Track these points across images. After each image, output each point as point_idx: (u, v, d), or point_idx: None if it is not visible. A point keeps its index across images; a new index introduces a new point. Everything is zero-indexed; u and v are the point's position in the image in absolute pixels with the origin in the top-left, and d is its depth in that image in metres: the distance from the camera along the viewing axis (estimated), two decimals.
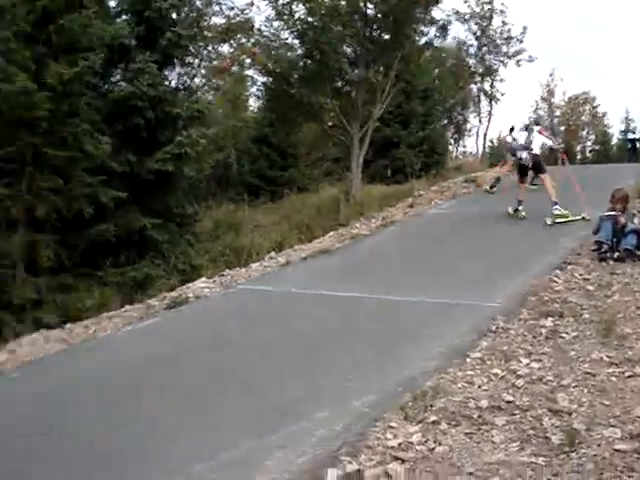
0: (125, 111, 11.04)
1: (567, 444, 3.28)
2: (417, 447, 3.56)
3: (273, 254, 10.33)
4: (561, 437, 3.38)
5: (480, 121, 32.54)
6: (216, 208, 17.45)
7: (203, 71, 20.80)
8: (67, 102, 9.38)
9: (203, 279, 8.86)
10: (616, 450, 3.17)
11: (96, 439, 4.08)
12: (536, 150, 10.05)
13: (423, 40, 19.13)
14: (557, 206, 9.30)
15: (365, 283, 7.48)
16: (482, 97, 31.30)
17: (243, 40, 20.84)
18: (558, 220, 9.16)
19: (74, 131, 9.37)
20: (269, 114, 22.01)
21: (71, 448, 3.97)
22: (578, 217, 9.11)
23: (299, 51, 18.06)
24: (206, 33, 19.11)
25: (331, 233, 11.44)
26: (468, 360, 4.76)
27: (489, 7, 27.10)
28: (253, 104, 25.81)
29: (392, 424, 3.86)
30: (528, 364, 4.53)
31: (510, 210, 10.13)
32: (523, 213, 9.96)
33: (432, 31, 18.70)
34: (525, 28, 27.75)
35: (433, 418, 3.85)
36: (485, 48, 28.57)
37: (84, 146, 9.41)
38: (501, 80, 29.70)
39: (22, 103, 8.63)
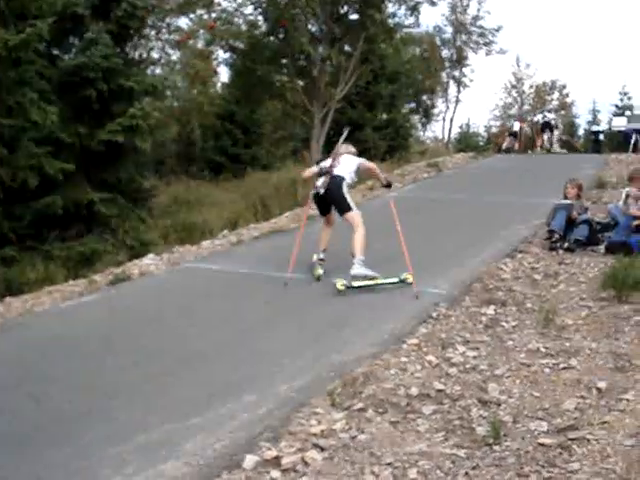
0: (77, 82, 10.68)
1: (492, 436, 3.27)
2: (340, 435, 3.54)
3: (226, 232, 10.18)
4: (487, 429, 3.41)
5: (447, 107, 33.63)
6: (176, 184, 17.04)
7: (160, 44, 19.87)
8: (15, 70, 9.08)
9: (151, 255, 8.68)
10: (540, 444, 3.21)
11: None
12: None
13: (392, 22, 18.90)
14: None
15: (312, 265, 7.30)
16: (451, 83, 32.62)
17: (203, 14, 19.99)
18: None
19: (21, 100, 9.08)
20: (234, 90, 21.55)
21: None
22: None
23: (262, 28, 17.55)
24: (164, 5, 18.21)
25: (287, 213, 11.28)
26: (404, 346, 4.74)
27: None
28: (218, 80, 25.32)
29: (318, 410, 3.84)
30: (464, 352, 4.55)
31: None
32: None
33: (401, 12, 18.46)
34: (500, 27, 29.81)
35: (360, 405, 3.84)
36: (459, 35, 30.00)
37: (30, 115, 9.10)
38: (472, 71, 31.65)
39: None
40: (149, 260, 8.34)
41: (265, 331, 5.42)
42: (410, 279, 6.14)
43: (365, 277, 6.19)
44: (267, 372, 4.52)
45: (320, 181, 6.60)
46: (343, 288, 6.13)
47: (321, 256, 6.88)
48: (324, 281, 6.72)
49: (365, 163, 7.00)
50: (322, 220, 7.11)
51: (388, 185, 7.27)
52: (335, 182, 6.51)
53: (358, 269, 6.20)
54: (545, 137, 22.11)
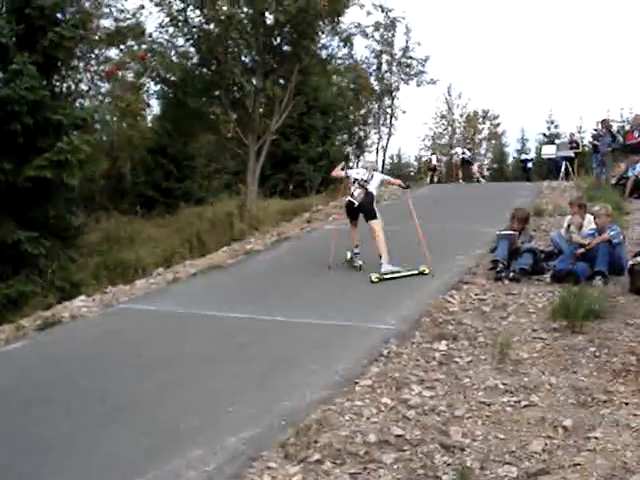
0: (1, 115, 10.24)
1: None
2: None
3: (161, 270, 9.81)
4: (453, 476, 3.22)
5: (380, 137, 33.63)
6: (106, 220, 16.44)
7: (89, 76, 19.21)
8: None
9: (82, 297, 8.25)
10: None
11: None
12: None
13: (325, 53, 18.93)
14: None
15: (254, 303, 7.09)
16: (382, 114, 32.71)
17: (134, 45, 19.48)
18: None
19: None
20: (166, 123, 21.04)
21: None
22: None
23: (194, 59, 17.25)
24: (93, 36, 17.68)
25: (224, 248, 11.03)
26: (357, 388, 4.53)
27: (390, 18, 28.51)
28: (149, 112, 24.68)
29: (270, 464, 3.55)
30: (420, 392, 4.36)
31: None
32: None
33: (334, 43, 18.56)
34: (427, 57, 30.38)
35: (316, 456, 3.57)
36: (385, 67, 30.54)
37: None
38: (397, 106, 32.08)
39: None
40: (80, 302, 7.90)
41: (208, 376, 5.08)
42: (427, 271, 7.70)
43: (392, 272, 7.68)
44: (212, 421, 4.18)
45: (357, 192, 8.12)
46: (377, 280, 7.54)
47: (356, 250, 8.49)
48: (271, 319, 6.48)
49: (385, 178, 8.75)
50: (350, 223, 8.55)
51: (407, 187, 9.01)
52: (368, 197, 8.12)
53: (385, 267, 7.75)
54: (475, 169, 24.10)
